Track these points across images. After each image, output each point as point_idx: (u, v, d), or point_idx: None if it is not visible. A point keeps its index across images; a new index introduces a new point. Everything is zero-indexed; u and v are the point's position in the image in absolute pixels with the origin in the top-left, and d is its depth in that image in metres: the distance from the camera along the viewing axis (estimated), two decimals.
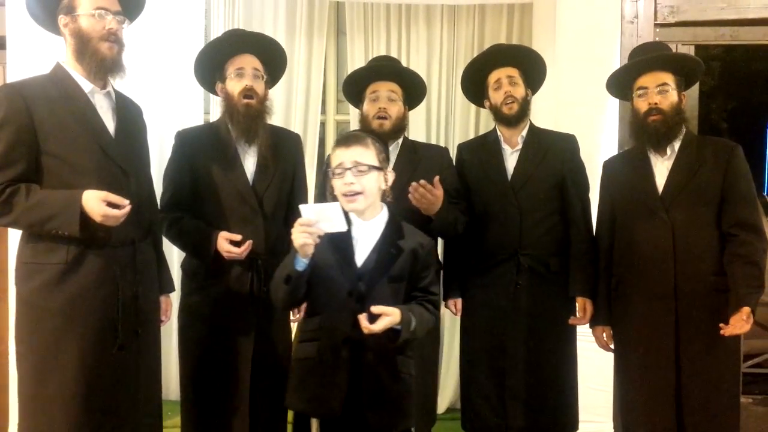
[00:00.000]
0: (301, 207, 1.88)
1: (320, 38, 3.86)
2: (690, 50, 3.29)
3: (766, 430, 3.54)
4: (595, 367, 2.97)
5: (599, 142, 3.17)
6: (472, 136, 3.70)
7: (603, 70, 2.82)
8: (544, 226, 2.66)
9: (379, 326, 1.85)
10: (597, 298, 2.60)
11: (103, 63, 2.10)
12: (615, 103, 3.14)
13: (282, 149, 2.55)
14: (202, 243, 2.38)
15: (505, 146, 2.74)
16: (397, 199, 2.40)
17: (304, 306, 2.12)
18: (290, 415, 2.14)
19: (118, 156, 2.12)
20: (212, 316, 2.42)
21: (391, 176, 2.04)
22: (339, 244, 1.95)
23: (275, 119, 2.70)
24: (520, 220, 2.64)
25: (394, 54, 3.68)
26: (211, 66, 2.52)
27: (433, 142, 3.74)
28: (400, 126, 2.68)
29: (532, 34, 3.72)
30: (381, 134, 2.53)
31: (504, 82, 2.69)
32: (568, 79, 3.23)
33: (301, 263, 1.89)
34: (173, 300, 2.50)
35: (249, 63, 2.46)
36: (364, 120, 2.68)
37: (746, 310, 2.27)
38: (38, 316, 2.03)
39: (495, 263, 2.65)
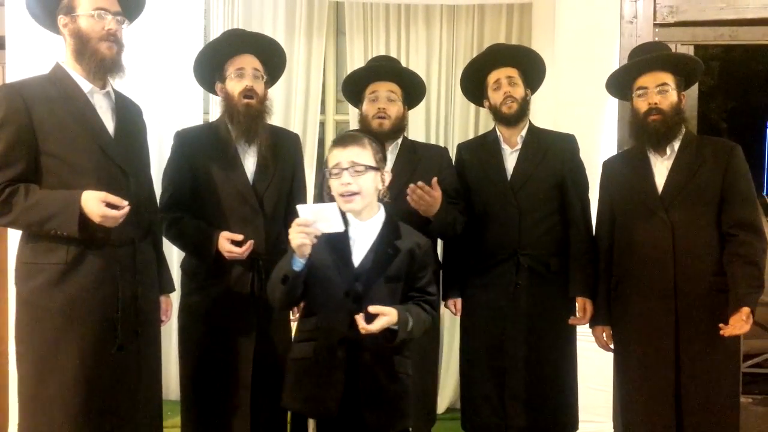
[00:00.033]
0: (299, 207, 1.88)
1: (320, 38, 3.86)
2: (689, 50, 3.30)
3: (766, 430, 3.54)
4: (595, 366, 2.97)
5: (599, 142, 3.17)
6: (471, 136, 3.70)
7: (602, 70, 2.82)
8: (544, 226, 2.66)
9: (376, 326, 1.86)
10: (597, 298, 2.60)
11: (102, 63, 2.10)
12: (614, 103, 3.14)
13: (281, 149, 2.55)
14: (203, 243, 2.38)
15: (504, 146, 2.74)
16: (396, 199, 2.40)
17: (302, 305, 2.13)
18: (290, 415, 2.14)
19: (118, 156, 2.12)
20: (213, 316, 2.42)
21: (388, 176, 2.04)
22: (336, 244, 1.96)
23: (275, 119, 2.70)
24: (520, 220, 2.64)
25: (393, 54, 3.68)
26: (211, 66, 2.52)
27: (433, 142, 3.74)
28: (400, 126, 2.68)
29: (531, 34, 3.72)
30: (380, 134, 2.53)
31: (503, 82, 2.69)
32: (568, 79, 3.23)
33: (298, 263, 1.89)
34: (173, 300, 2.50)
35: (249, 63, 2.46)
36: (363, 120, 2.68)
37: (746, 310, 2.27)
38: (38, 316, 2.03)
39: (495, 263, 2.65)
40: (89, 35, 2.09)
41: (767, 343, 4.41)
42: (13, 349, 2.16)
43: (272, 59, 2.58)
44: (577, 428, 2.73)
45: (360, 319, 1.86)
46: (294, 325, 2.59)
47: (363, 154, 1.96)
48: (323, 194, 2.11)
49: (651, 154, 2.51)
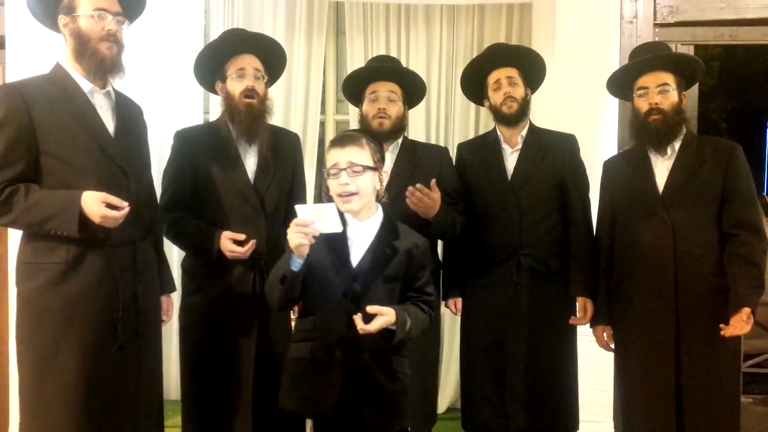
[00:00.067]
0: (297, 207, 1.88)
1: (320, 38, 3.86)
2: (689, 50, 3.30)
3: (767, 430, 3.54)
4: (595, 366, 2.97)
5: (599, 142, 3.17)
6: (471, 135, 3.70)
7: (602, 69, 2.82)
8: (544, 226, 2.66)
9: (374, 326, 1.86)
10: (597, 297, 2.60)
11: (102, 64, 2.10)
12: (614, 102, 3.14)
13: (281, 149, 2.55)
14: (205, 242, 2.38)
15: (505, 146, 2.74)
16: (396, 199, 2.40)
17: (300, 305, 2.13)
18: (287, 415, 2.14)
19: (118, 155, 2.12)
20: (214, 316, 2.41)
21: (386, 176, 2.04)
22: (334, 244, 1.96)
23: (275, 119, 2.70)
24: (520, 220, 2.64)
25: (393, 54, 3.68)
26: (211, 65, 2.52)
27: (433, 141, 3.74)
28: (400, 126, 2.68)
29: (531, 34, 3.72)
30: (380, 134, 2.53)
31: (503, 82, 2.69)
32: (568, 79, 3.23)
33: (297, 263, 1.89)
34: (174, 300, 2.50)
35: (250, 63, 2.46)
36: (363, 120, 2.68)
37: (746, 311, 2.27)
38: (38, 315, 2.03)
39: (495, 263, 2.65)
40: (89, 35, 2.08)
41: (767, 342, 4.41)
42: (13, 349, 2.15)
43: (273, 59, 2.58)
44: (577, 428, 2.73)
45: (358, 319, 1.86)
46: (293, 325, 2.60)
47: (361, 154, 1.96)
48: (322, 194, 2.11)
49: (652, 154, 2.51)
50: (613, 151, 3.12)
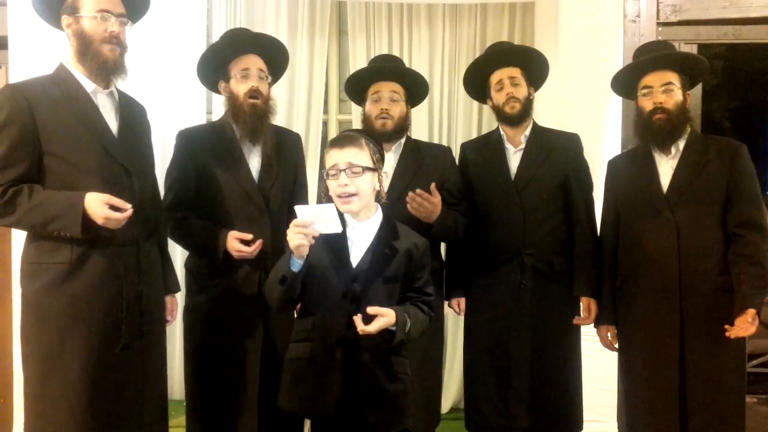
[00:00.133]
0: (297, 208, 1.88)
1: (322, 38, 3.85)
2: (692, 49, 3.29)
3: None
4: (599, 366, 2.96)
5: (602, 142, 3.16)
6: (474, 135, 3.70)
7: (605, 69, 2.82)
8: (548, 226, 2.65)
9: (374, 327, 1.86)
10: (601, 297, 2.59)
11: (104, 65, 2.11)
12: (618, 102, 3.14)
13: (284, 149, 2.55)
14: (211, 242, 2.37)
15: (508, 145, 2.73)
16: (398, 199, 2.40)
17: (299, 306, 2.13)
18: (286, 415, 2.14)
19: (121, 155, 2.12)
20: (219, 315, 2.41)
21: (386, 177, 2.04)
22: (334, 245, 1.96)
23: (278, 119, 2.69)
24: (524, 220, 2.64)
25: (396, 53, 3.66)
26: (215, 65, 2.52)
27: (436, 141, 3.73)
28: (403, 126, 2.68)
29: (534, 33, 3.72)
30: (383, 134, 2.54)
31: (506, 83, 2.68)
32: (571, 79, 3.22)
33: (296, 264, 1.89)
34: (178, 300, 2.50)
35: (254, 64, 2.46)
36: (366, 120, 2.68)
37: (751, 312, 2.27)
38: (43, 316, 2.03)
39: (499, 263, 2.65)
40: (92, 37, 2.09)
41: None
42: (17, 349, 2.16)
43: (276, 59, 2.58)
44: (581, 428, 2.72)
45: (358, 320, 1.86)
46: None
47: (360, 155, 1.96)
48: (321, 195, 2.11)
49: (656, 153, 2.50)
50: (616, 150, 3.11)
